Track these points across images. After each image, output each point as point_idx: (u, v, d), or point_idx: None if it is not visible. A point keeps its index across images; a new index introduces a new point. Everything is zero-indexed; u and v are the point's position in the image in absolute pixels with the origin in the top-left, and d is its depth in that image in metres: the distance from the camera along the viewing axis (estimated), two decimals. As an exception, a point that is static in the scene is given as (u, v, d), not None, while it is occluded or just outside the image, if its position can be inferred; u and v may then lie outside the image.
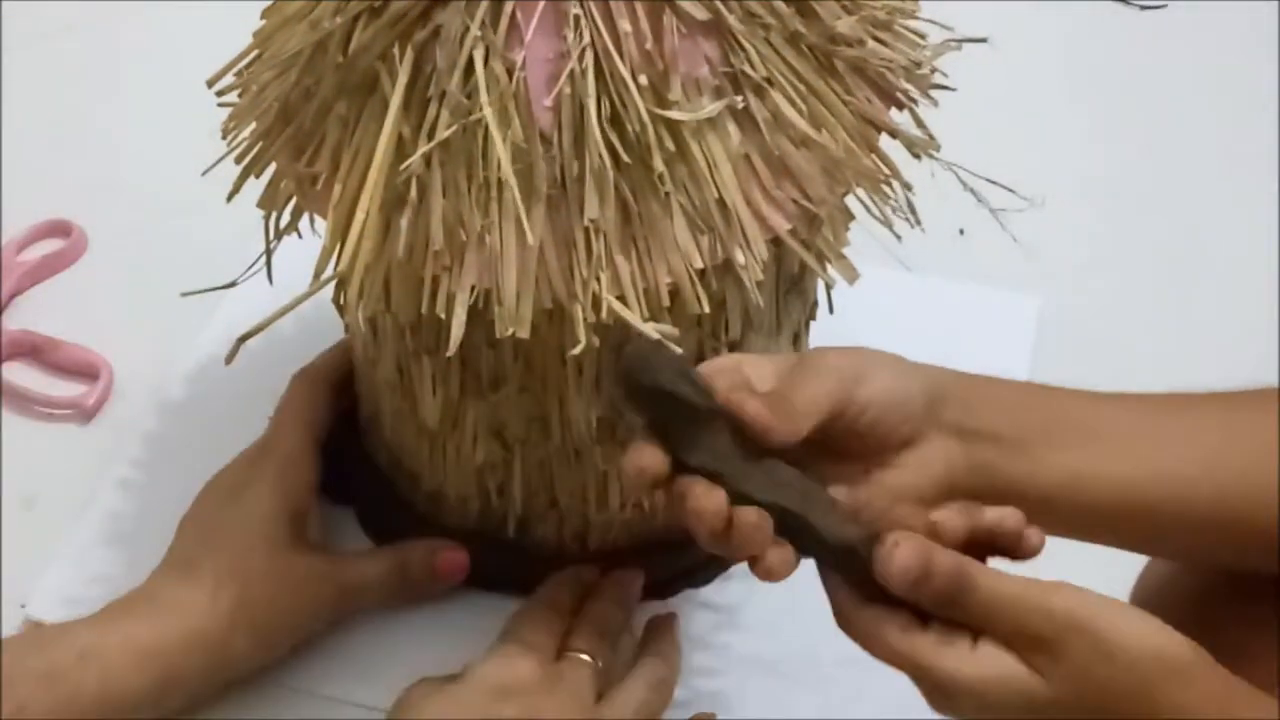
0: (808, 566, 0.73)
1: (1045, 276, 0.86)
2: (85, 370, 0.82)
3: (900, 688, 0.68)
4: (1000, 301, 0.85)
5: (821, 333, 0.74)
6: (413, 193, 0.56)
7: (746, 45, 0.57)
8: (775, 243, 0.59)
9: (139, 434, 0.79)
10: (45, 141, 0.95)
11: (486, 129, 0.55)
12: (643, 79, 0.56)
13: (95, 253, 0.89)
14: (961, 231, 0.88)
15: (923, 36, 0.64)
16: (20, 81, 0.98)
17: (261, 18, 0.65)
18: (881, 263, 0.76)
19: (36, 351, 0.83)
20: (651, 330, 0.56)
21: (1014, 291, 0.86)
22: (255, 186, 0.64)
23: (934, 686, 0.51)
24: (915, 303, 0.85)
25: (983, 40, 0.65)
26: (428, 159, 0.56)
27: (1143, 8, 1.04)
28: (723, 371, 0.53)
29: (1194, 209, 0.91)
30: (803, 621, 0.71)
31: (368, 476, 0.76)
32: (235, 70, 0.65)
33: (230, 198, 0.63)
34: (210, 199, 0.66)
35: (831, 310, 0.71)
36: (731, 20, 0.57)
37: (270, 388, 0.80)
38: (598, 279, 0.56)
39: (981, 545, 0.52)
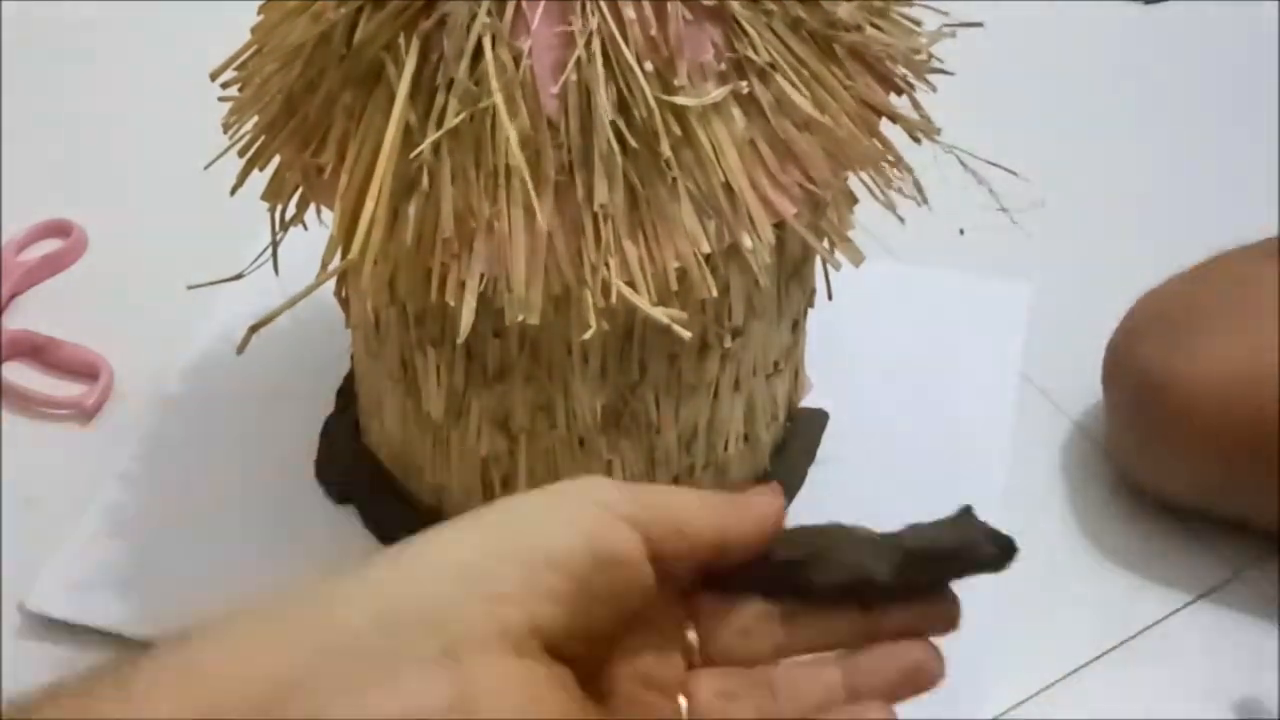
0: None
1: (1039, 264, 0.87)
2: (85, 370, 0.82)
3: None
4: (992, 289, 0.86)
5: (818, 321, 0.75)
6: (422, 181, 0.56)
7: (750, 31, 0.58)
8: (779, 227, 0.60)
9: (139, 433, 0.79)
10: (45, 141, 0.95)
11: (494, 116, 0.56)
12: (648, 65, 0.56)
13: (95, 253, 0.89)
14: (962, 231, 0.89)
15: (918, 23, 0.65)
16: (20, 81, 0.98)
17: (259, 13, 0.65)
18: (876, 255, 0.76)
19: (36, 351, 0.83)
20: (660, 314, 0.56)
21: (1006, 279, 0.86)
22: (255, 186, 0.64)
23: None
24: (908, 291, 0.86)
25: (978, 25, 0.66)
26: (436, 147, 0.56)
27: (1146, 2, 1.06)
28: None
29: (1190, 199, 0.92)
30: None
31: (369, 474, 0.76)
32: (236, 65, 0.65)
33: (234, 189, 0.63)
34: (210, 199, 0.67)
35: (830, 297, 0.72)
36: (735, 6, 0.58)
37: (268, 385, 0.80)
38: (607, 264, 0.56)
39: None
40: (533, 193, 0.56)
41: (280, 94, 0.61)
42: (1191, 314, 0.72)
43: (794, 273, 0.68)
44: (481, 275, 0.57)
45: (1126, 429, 0.75)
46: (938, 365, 0.82)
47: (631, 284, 0.57)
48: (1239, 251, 0.76)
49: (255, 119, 0.63)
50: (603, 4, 0.56)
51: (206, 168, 0.64)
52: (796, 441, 0.77)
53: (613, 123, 0.56)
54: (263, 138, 0.63)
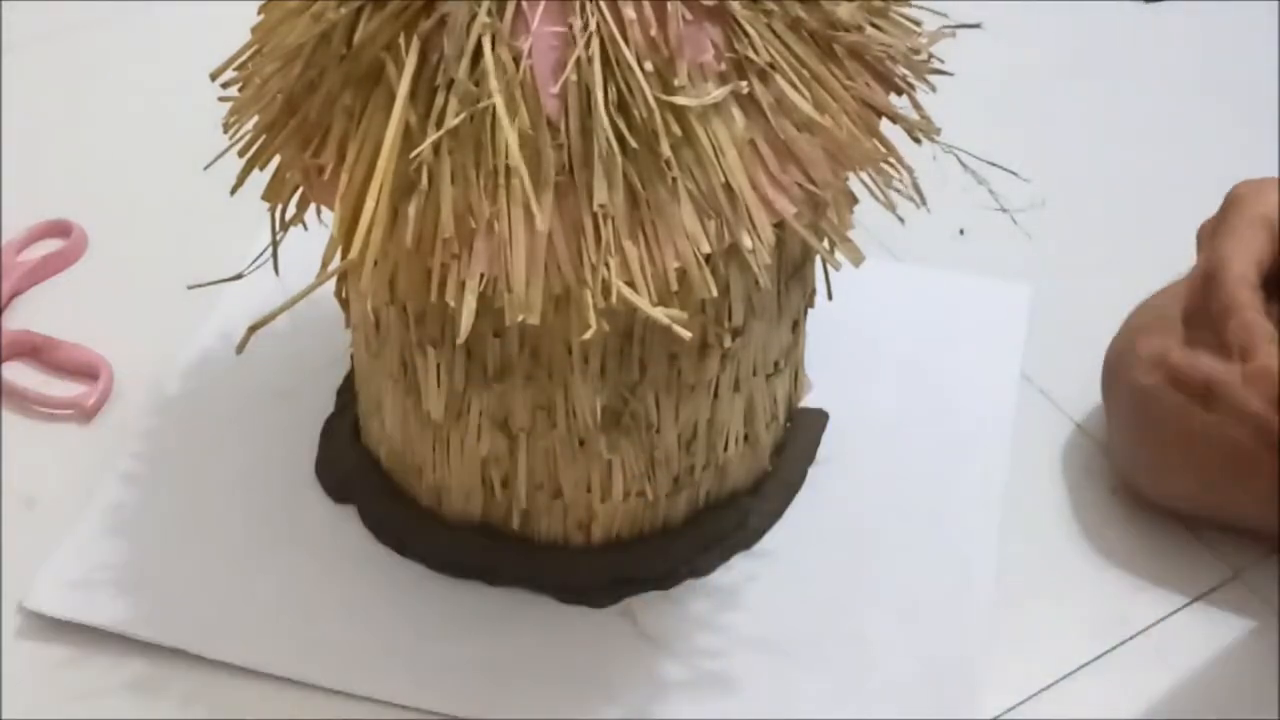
0: (813, 546, 0.74)
1: (1039, 264, 0.87)
2: (85, 370, 0.82)
3: (904, 666, 0.69)
4: (992, 289, 0.86)
5: (818, 321, 0.75)
6: (422, 181, 0.56)
7: (750, 31, 0.58)
8: (779, 227, 0.60)
9: (139, 433, 0.79)
10: (45, 141, 0.95)
11: (494, 117, 0.56)
12: (648, 65, 0.56)
13: (95, 253, 0.89)
14: (962, 231, 0.89)
15: (918, 23, 0.65)
16: (20, 81, 0.98)
17: (259, 14, 0.65)
18: (876, 255, 0.76)
19: (36, 351, 0.83)
20: (661, 315, 0.56)
21: (1007, 280, 0.86)
22: (255, 186, 0.64)
23: None
24: (909, 292, 0.86)
25: (977, 26, 0.66)
26: (436, 147, 0.56)
27: (1146, 1, 1.06)
28: None
29: (1190, 198, 0.92)
30: (806, 602, 0.72)
31: (369, 474, 0.76)
32: (236, 65, 0.65)
33: (235, 189, 0.63)
34: (210, 199, 0.67)
35: (830, 297, 0.72)
36: (735, 6, 0.58)
37: (268, 384, 0.81)
38: (607, 264, 0.56)
39: None
40: (532, 193, 0.56)
41: (280, 94, 0.61)
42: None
43: (794, 273, 0.69)
44: (481, 275, 0.57)
45: (1125, 436, 0.75)
46: (938, 365, 0.82)
47: (631, 284, 0.57)
48: None
49: (255, 119, 0.63)
50: (603, 4, 0.56)
51: (206, 168, 0.64)
52: (796, 441, 0.77)
53: (613, 123, 0.56)
54: (263, 138, 0.63)
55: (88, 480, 0.77)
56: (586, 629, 0.71)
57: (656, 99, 0.56)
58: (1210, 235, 0.62)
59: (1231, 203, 0.62)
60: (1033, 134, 0.94)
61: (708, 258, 0.58)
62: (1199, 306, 0.61)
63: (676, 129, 0.57)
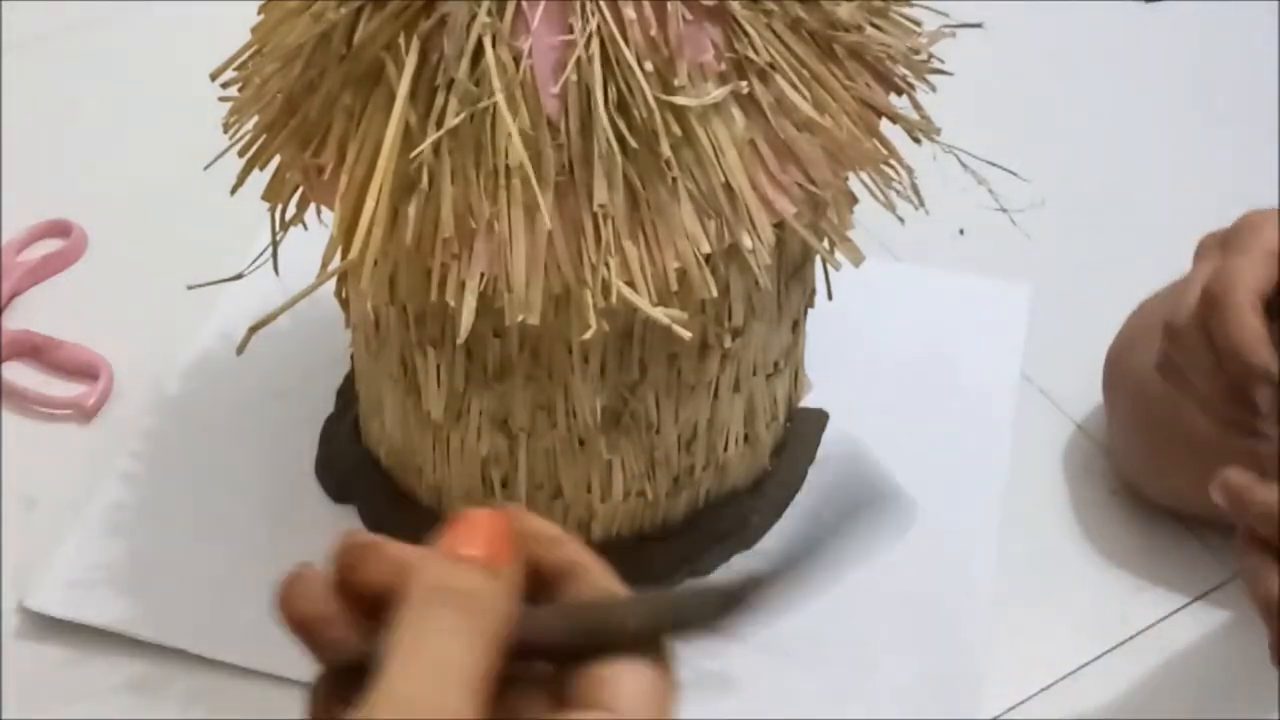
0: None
1: (1039, 264, 0.87)
2: (85, 370, 0.82)
3: (904, 666, 0.69)
4: (992, 289, 0.86)
5: (818, 321, 0.75)
6: (422, 181, 0.56)
7: (750, 31, 0.58)
8: (779, 227, 0.60)
9: (139, 433, 0.79)
10: (45, 141, 0.95)
11: (494, 117, 0.56)
12: (648, 65, 0.56)
13: (95, 253, 0.89)
14: (962, 231, 0.89)
15: (918, 23, 0.65)
16: (20, 81, 0.98)
17: (259, 14, 0.65)
18: (876, 255, 0.76)
19: (36, 351, 0.83)
20: (661, 315, 0.56)
21: (1007, 280, 0.86)
22: (254, 186, 0.64)
23: None
24: (909, 292, 0.86)
25: (978, 25, 0.66)
26: (436, 147, 0.56)
27: (1146, 1, 1.06)
28: None
29: (1189, 198, 0.92)
30: (806, 602, 0.72)
31: (369, 474, 0.76)
32: (236, 65, 0.65)
33: (235, 189, 0.64)
34: (210, 199, 0.67)
35: (830, 297, 0.72)
36: (735, 6, 0.58)
37: (268, 385, 0.81)
38: (606, 264, 0.56)
39: None
40: (539, 191, 0.56)
41: (280, 94, 0.62)
42: None
43: (794, 273, 0.69)
44: (481, 275, 0.57)
45: (1125, 436, 0.74)
46: (938, 365, 0.82)
47: (631, 284, 0.57)
48: None
49: (255, 119, 0.63)
50: (603, 4, 0.56)
51: (206, 168, 0.64)
52: (796, 441, 0.77)
53: (613, 123, 0.56)
54: (263, 138, 0.63)
55: (88, 480, 0.77)
56: (586, 629, 0.71)
57: (656, 99, 0.56)
58: (1217, 247, 0.61)
59: (1244, 225, 0.61)
60: (1033, 134, 0.94)
61: (708, 258, 0.58)
62: (1195, 320, 0.59)
63: (676, 129, 0.57)
